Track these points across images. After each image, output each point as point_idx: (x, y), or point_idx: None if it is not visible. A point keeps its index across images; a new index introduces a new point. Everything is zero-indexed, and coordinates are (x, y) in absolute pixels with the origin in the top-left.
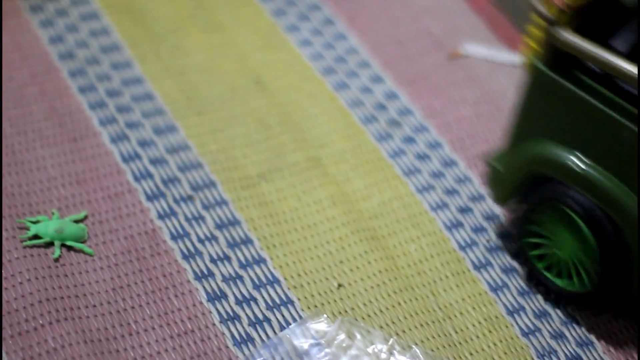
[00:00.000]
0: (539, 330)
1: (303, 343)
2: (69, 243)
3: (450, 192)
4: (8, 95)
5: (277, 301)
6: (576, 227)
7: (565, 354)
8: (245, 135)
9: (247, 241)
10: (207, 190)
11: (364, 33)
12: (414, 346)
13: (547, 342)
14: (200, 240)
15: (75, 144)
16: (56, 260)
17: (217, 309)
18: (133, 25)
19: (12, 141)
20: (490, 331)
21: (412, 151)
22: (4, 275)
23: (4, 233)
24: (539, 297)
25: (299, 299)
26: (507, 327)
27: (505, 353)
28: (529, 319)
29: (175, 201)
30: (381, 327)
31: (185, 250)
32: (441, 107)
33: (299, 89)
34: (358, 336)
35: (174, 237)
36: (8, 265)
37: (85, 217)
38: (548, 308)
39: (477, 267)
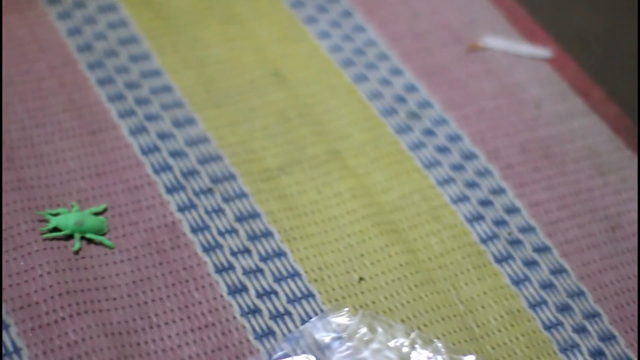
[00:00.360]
0: (561, 324)
1: (324, 337)
2: (88, 236)
3: (471, 185)
4: (26, 87)
5: (298, 294)
6: None
7: (588, 348)
8: (264, 128)
9: (267, 234)
10: (226, 182)
11: (382, 25)
12: (435, 340)
13: (570, 336)
14: (221, 233)
15: (94, 137)
16: (76, 252)
17: (237, 302)
18: (151, 17)
19: (31, 133)
20: (511, 325)
21: (432, 144)
22: (24, 267)
23: (23, 225)
24: (561, 290)
25: (319, 292)
26: (528, 320)
27: (527, 347)
28: (551, 313)
29: (195, 194)
30: (402, 320)
31: (205, 243)
32: (461, 100)
33: (318, 81)
34: (379, 330)
35: (194, 230)
36: (28, 258)
37: (105, 210)
38: (570, 302)
39: (498, 260)
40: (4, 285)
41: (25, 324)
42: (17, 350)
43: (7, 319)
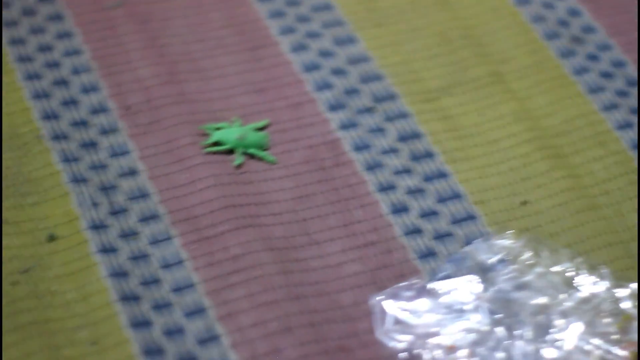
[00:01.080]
0: None
1: (488, 259)
2: (250, 151)
3: (636, 111)
4: (187, 2)
5: (461, 216)
6: None
7: None
8: (426, 49)
9: (429, 154)
10: (388, 102)
11: None
12: (600, 266)
13: None
14: (382, 152)
15: (254, 53)
16: (237, 167)
17: (399, 222)
18: None
19: (191, 48)
20: None
21: (596, 69)
22: (186, 180)
23: (185, 139)
24: None
25: (482, 215)
26: None
27: None
28: None
29: (357, 112)
30: (565, 246)
31: (367, 162)
32: (626, 26)
33: (480, 2)
34: (544, 254)
35: (355, 148)
36: (190, 171)
37: (267, 126)
38: None
39: None
40: (168, 197)
41: (188, 236)
42: (180, 261)
43: (171, 231)
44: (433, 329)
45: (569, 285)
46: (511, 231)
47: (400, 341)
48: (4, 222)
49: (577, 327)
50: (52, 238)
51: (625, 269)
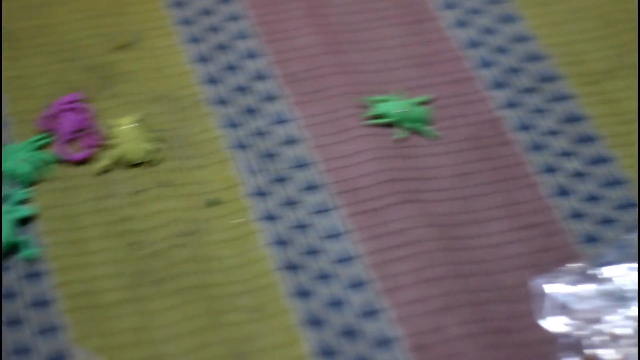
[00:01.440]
0: None
1: None
2: (412, 125)
3: None
4: None
5: (625, 202)
6: None
7: None
8: (589, 30)
9: (593, 138)
10: (551, 83)
11: None
12: None
13: None
14: (545, 133)
15: (416, 26)
16: (400, 141)
17: (561, 205)
18: None
19: (352, 19)
20: None
21: None
22: (349, 151)
23: (347, 110)
24: None
25: None
26: None
27: None
28: None
29: (519, 92)
30: None
31: (529, 142)
32: None
33: None
34: None
35: (518, 128)
36: (352, 142)
37: (429, 101)
38: None
39: None
40: (330, 167)
41: (351, 208)
42: (343, 233)
43: (334, 201)
44: (595, 315)
45: None
46: None
47: (560, 325)
48: (167, 184)
49: None
50: (213, 203)
51: None
